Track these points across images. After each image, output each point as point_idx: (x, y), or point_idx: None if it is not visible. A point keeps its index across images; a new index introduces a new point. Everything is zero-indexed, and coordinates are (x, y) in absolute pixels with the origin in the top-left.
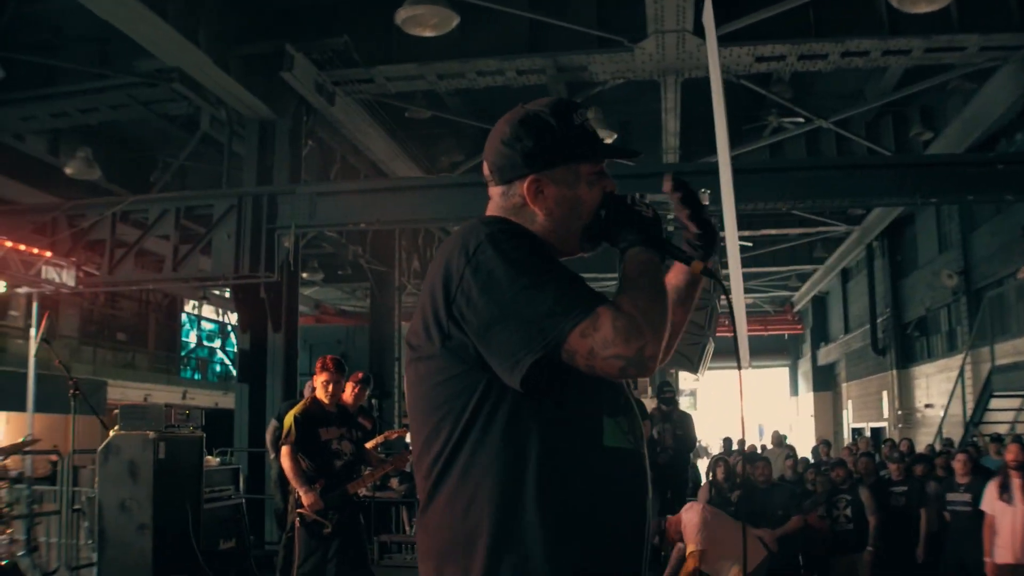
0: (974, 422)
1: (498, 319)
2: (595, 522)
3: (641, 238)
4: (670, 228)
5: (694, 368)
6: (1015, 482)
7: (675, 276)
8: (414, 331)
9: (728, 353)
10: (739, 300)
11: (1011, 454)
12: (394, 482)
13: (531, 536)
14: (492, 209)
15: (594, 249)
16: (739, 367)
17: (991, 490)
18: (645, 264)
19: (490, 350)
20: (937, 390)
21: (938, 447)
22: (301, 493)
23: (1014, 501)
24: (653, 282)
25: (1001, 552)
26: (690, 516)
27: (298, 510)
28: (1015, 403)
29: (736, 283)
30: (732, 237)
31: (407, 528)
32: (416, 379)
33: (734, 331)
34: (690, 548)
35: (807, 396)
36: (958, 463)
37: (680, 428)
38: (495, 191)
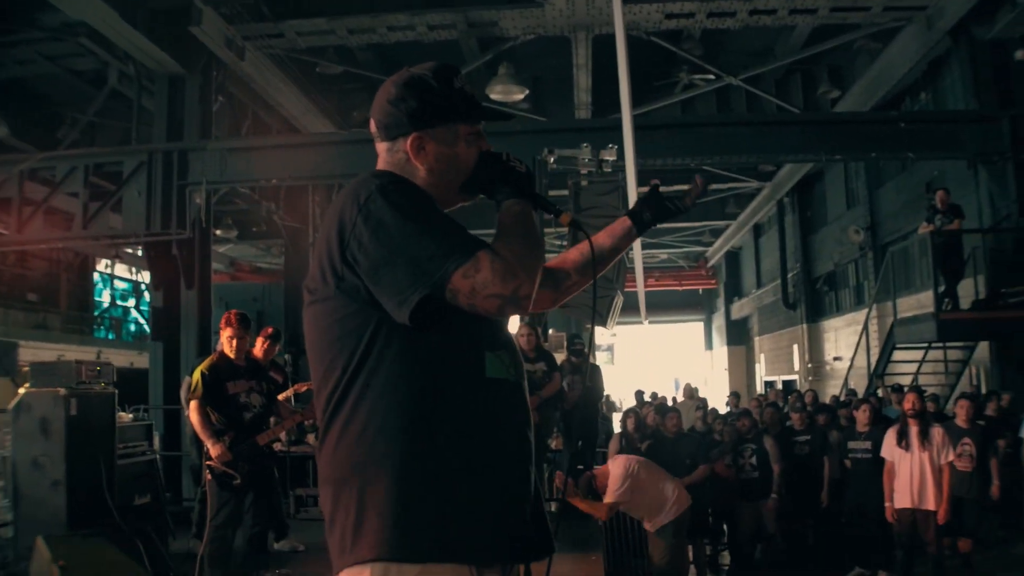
0: (877, 373)
1: (387, 261)
2: (481, 446)
3: (515, 191)
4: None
5: (603, 321)
6: (912, 430)
7: (603, 240)
8: (312, 277)
9: (638, 308)
10: (638, 256)
11: (908, 403)
12: (310, 437)
13: (421, 460)
14: (380, 164)
15: (471, 200)
16: (641, 320)
17: (890, 438)
18: (519, 214)
19: (380, 289)
20: (845, 343)
21: (843, 398)
22: (209, 446)
23: (911, 448)
24: (527, 229)
25: (900, 497)
26: (614, 469)
27: (207, 462)
28: (917, 355)
29: (637, 244)
30: (632, 192)
31: None
32: (313, 321)
33: (636, 285)
34: (608, 497)
35: (721, 350)
36: (861, 413)
37: (589, 380)
38: (382, 147)
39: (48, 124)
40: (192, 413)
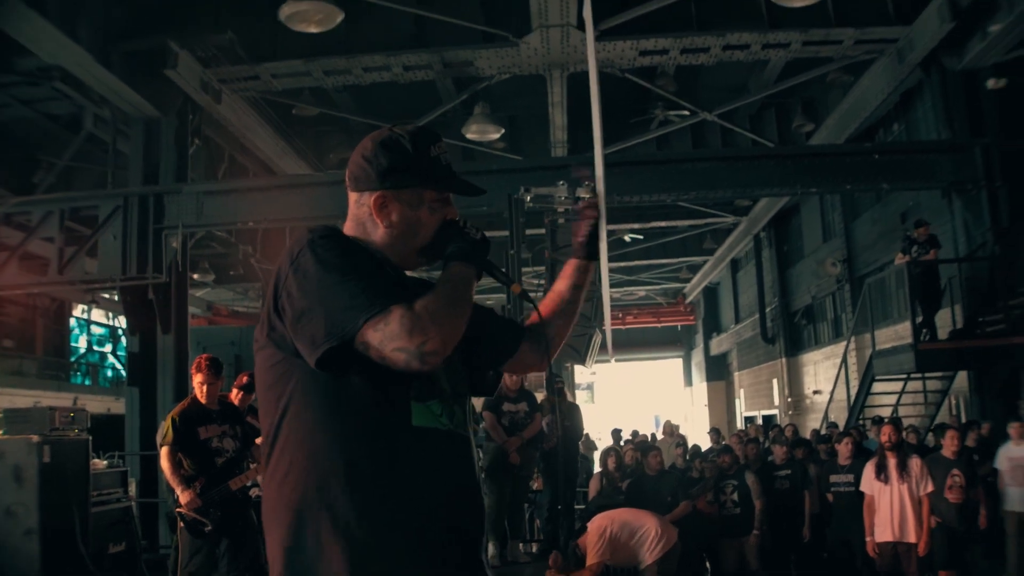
0: (857, 406)
1: (306, 311)
2: (401, 496)
3: (462, 253)
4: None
5: (582, 359)
6: (891, 462)
7: (561, 284)
8: (258, 326)
9: (619, 345)
10: (606, 296)
11: (885, 436)
12: None
13: (335, 508)
14: (348, 214)
15: (429, 264)
16: (607, 359)
17: (868, 471)
18: (456, 275)
19: (298, 338)
20: (824, 376)
21: (824, 432)
22: (178, 492)
23: (891, 480)
24: (455, 289)
25: (881, 530)
26: (590, 533)
27: (178, 509)
28: (896, 386)
29: (605, 277)
30: (603, 228)
31: None
32: (257, 368)
33: (602, 325)
34: (589, 560)
35: (701, 386)
36: (842, 446)
37: (568, 419)
38: (351, 197)
39: (23, 168)
40: (163, 459)
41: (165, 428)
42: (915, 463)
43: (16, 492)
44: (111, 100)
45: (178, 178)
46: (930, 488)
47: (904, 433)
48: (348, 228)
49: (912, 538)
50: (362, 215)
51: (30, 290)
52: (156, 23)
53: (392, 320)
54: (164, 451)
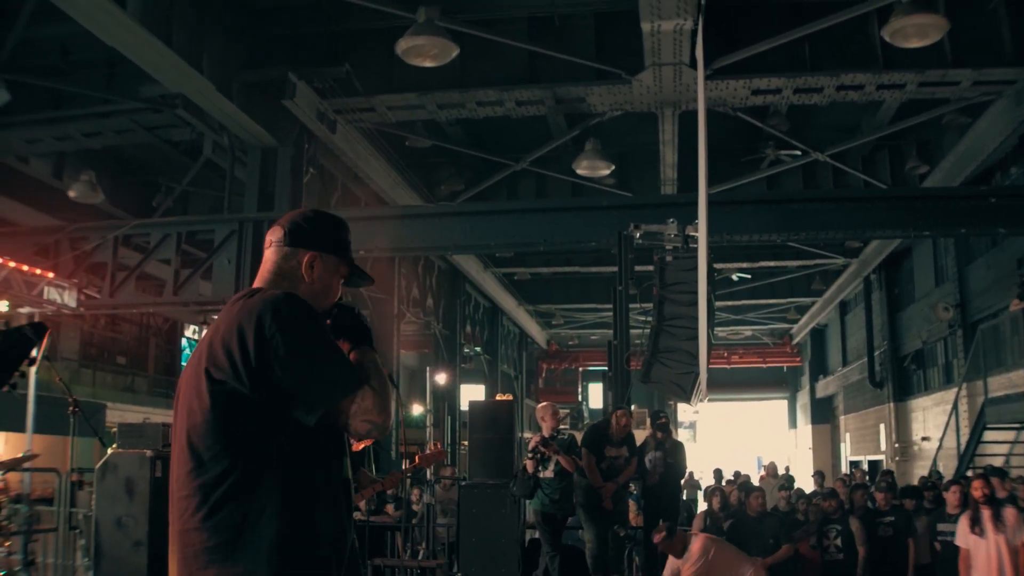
0: (968, 454)
1: (304, 376)
2: (318, 527)
3: (370, 340)
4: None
5: (686, 397)
6: (984, 514)
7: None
8: (209, 365)
9: (723, 384)
10: (703, 331)
11: (976, 490)
12: (389, 507)
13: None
14: (266, 266)
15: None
16: (696, 399)
17: (963, 524)
18: (376, 360)
19: (296, 397)
20: (934, 423)
21: (930, 480)
22: None
23: (986, 533)
24: (380, 373)
25: None
26: (694, 545)
27: None
28: (1009, 435)
29: (702, 312)
30: (703, 268)
31: (401, 552)
32: (213, 401)
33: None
34: (685, 572)
35: (805, 428)
36: (950, 494)
37: (671, 456)
38: (279, 251)
39: (143, 192)
40: None
41: None
42: (1010, 512)
43: (127, 504)
44: (230, 128)
45: (292, 205)
46: None
47: (1009, 484)
48: (269, 279)
49: None
50: (289, 268)
51: (146, 309)
52: (276, 55)
53: (367, 398)
54: None
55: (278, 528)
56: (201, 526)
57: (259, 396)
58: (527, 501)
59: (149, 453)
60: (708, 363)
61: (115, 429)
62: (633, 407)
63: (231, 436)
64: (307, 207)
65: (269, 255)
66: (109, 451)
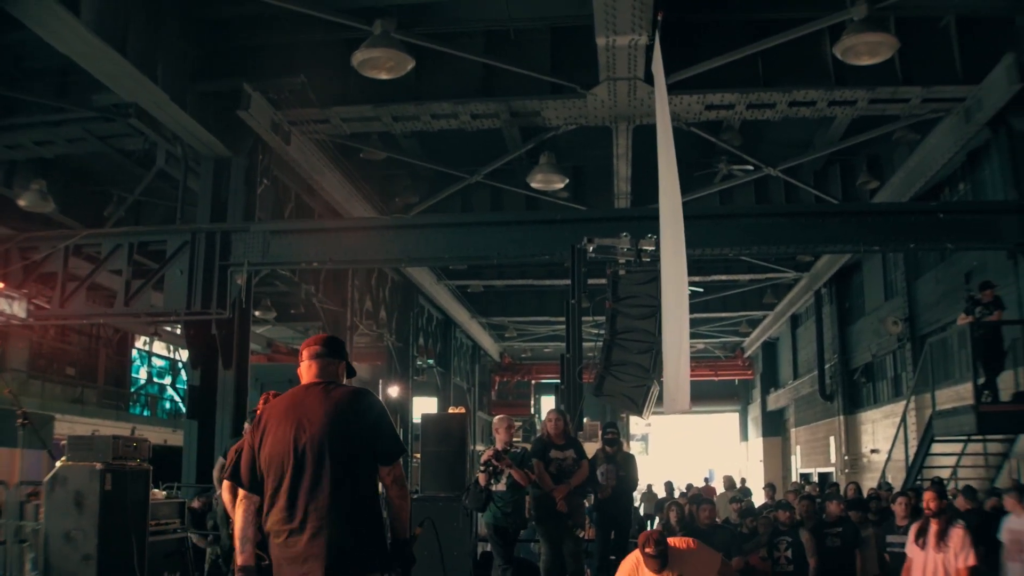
0: (916, 467)
1: (392, 440)
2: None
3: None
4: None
5: (639, 411)
6: (932, 528)
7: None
8: (359, 444)
9: (674, 398)
10: (675, 344)
11: (926, 502)
12: None
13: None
14: (322, 369)
15: None
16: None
17: (911, 534)
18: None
19: (385, 453)
20: (883, 435)
21: (877, 492)
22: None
23: (927, 547)
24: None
25: None
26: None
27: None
28: (956, 448)
29: (675, 325)
30: (678, 282)
31: None
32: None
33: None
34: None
35: (757, 441)
36: (899, 506)
37: (623, 469)
38: (325, 360)
39: (95, 202)
40: (225, 492)
41: (229, 461)
42: (956, 533)
43: (76, 518)
44: (183, 138)
45: (246, 216)
46: (972, 562)
47: (953, 496)
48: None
49: None
50: (335, 373)
51: (97, 320)
52: (231, 66)
53: (399, 467)
54: (227, 484)
55: None
56: None
57: None
58: (479, 514)
59: (99, 466)
60: (687, 373)
61: (64, 442)
62: (586, 420)
63: None
64: (336, 336)
65: (321, 363)
66: (58, 464)
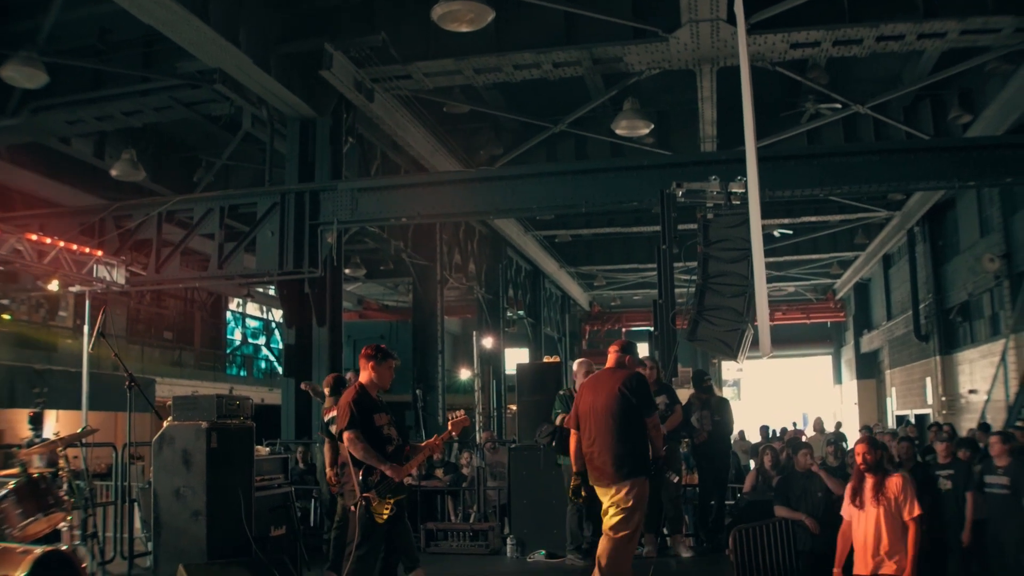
0: (1016, 406)
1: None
2: None
3: None
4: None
5: (733, 355)
6: (867, 483)
7: None
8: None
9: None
10: (761, 289)
11: (858, 455)
12: (439, 471)
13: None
14: (615, 360)
15: None
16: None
17: (847, 494)
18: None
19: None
20: (981, 375)
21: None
22: (385, 469)
23: (865, 506)
24: None
25: (856, 562)
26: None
27: (364, 494)
28: None
29: (759, 267)
30: (756, 226)
31: (452, 516)
32: None
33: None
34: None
35: (851, 384)
36: (994, 446)
37: (718, 413)
38: (618, 356)
39: (184, 168)
40: (353, 443)
41: (343, 413)
42: (893, 482)
43: (185, 475)
44: (268, 101)
45: (333, 175)
46: (916, 512)
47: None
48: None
49: (887, 571)
50: (622, 362)
51: (192, 284)
52: (312, 27)
53: (655, 418)
54: (350, 435)
55: None
56: None
57: None
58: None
59: (205, 424)
60: (767, 318)
61: (168, 402)
62: (679, 367)
63: None
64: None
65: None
66: (165, 424)
